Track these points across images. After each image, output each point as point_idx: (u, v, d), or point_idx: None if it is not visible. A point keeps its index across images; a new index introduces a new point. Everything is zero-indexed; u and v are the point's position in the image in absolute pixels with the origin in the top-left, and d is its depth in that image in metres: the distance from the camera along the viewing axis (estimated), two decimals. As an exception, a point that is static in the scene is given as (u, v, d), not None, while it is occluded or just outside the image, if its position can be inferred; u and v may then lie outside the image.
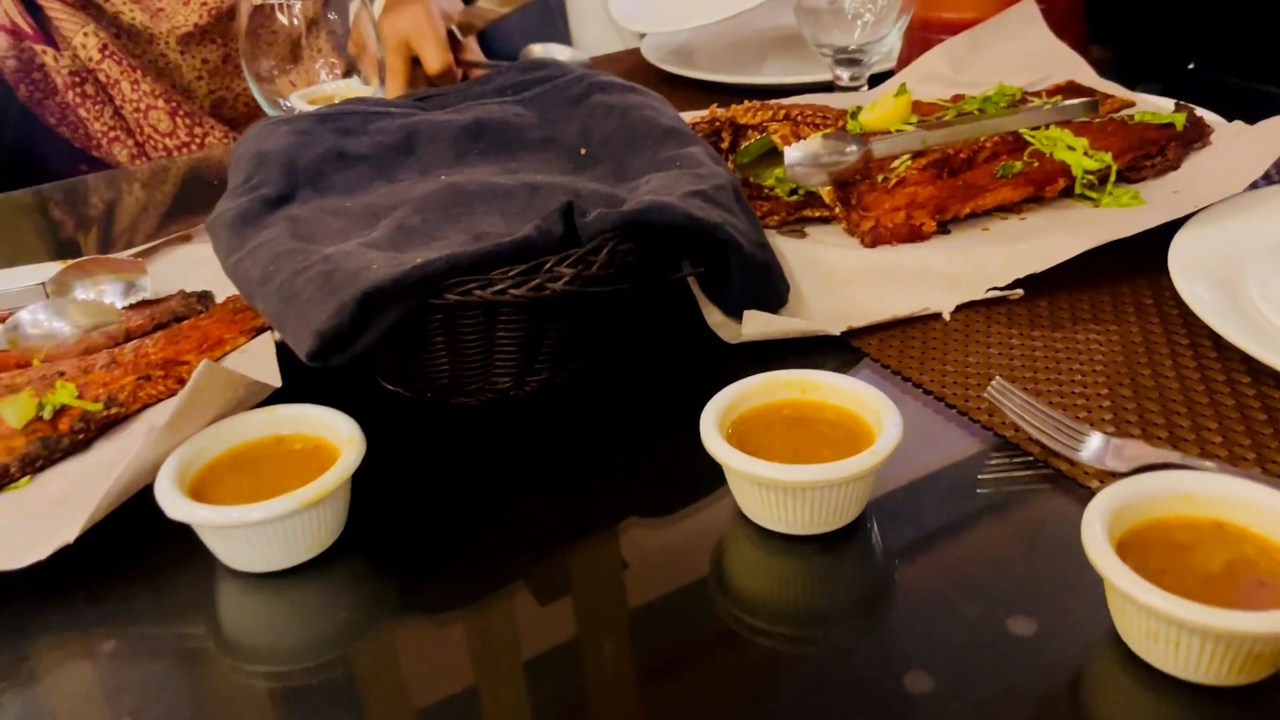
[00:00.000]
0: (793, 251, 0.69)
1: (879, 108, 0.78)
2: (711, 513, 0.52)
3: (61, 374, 0.56)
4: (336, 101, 0.76)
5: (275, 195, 0.64)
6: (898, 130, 0.74)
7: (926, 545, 0.49)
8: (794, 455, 0.47)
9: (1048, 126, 0.74)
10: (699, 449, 0.48)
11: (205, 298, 0.67)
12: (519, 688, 0.44)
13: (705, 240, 0.58)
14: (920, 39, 0.97)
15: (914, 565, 0.48)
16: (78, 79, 1.14)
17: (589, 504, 0.53)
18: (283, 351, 0.58)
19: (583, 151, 0.71)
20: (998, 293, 0.64)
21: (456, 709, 0.43)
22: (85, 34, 1.12)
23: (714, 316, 0.63)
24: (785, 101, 0.82)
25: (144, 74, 1.14)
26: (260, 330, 0.61)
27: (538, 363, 0.59)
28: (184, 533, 0.49)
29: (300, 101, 0.88)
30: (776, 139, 0.72)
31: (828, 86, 0.98)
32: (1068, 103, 0.77)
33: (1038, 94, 0.84)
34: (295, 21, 0.82)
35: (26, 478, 0.51)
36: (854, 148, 0.70)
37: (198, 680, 0.46)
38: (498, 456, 0.57)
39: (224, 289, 0.66)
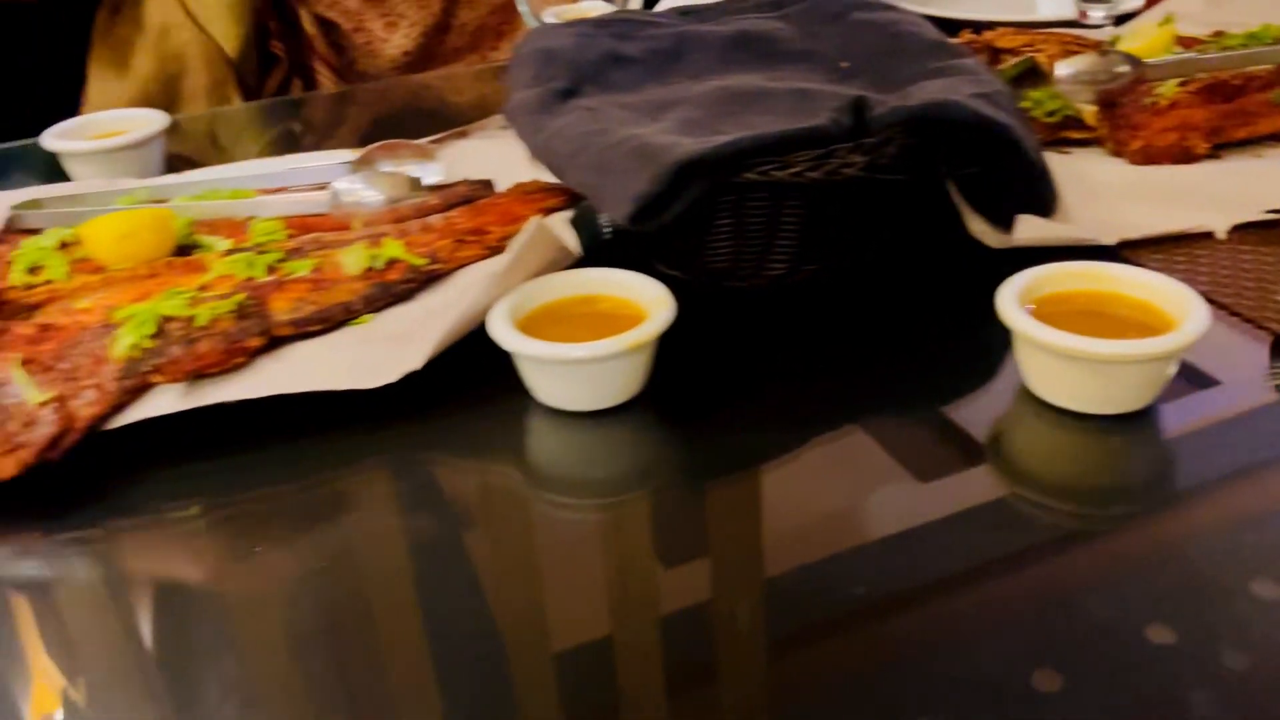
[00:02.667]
0: (1058, 166, 0.70)
1: (1141, 37, 0.78)
2: (996, 392, 0.54)
3: (384, 234, 0.61)
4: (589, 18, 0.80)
5: (564, 88, 0.68)
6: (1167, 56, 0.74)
7: (1215, 439, 0.50)
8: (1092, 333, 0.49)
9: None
10: (968, 337, 0.50)
11: (487, 185, 0.72)
12: (784, 539, 0.47)
13: (990, 140, 0.60)
14: (1171, -21, 0.95)
15: (1200, 459, 0.49)
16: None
17: (866, 384, 0.56)
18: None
19: (843, 64, 0.73)
20: (1275, 215, 0.63)
21: (740, 551, 0.47)
22: None
23: (976, 223, 0.64)
24: (1040, 30, 0.82)
25: None
26: (550, 210, 0.65)
27: (813, 252, 0.62)
28: (502, 373, 0.54)
29: (553, 18, 0.93)
30: (1043, 58, 0.72)
31: (1068, 25, 0.97)
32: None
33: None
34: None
35: (369, 315, 0.56)
36: (1127, 67, 0.70)
37: (503, 503, 0.51)
38: (775, 337, 0.60)
39: (502, 178, 0.71)
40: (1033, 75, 0.75)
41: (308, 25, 1.10)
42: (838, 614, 0.42)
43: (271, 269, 0.58)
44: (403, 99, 1.06)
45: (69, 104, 1.05)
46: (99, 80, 1.06)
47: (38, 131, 0.82)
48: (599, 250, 0.61)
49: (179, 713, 0.40)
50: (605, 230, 0.67)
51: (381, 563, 0.48)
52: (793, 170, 0.56)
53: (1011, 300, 0.50)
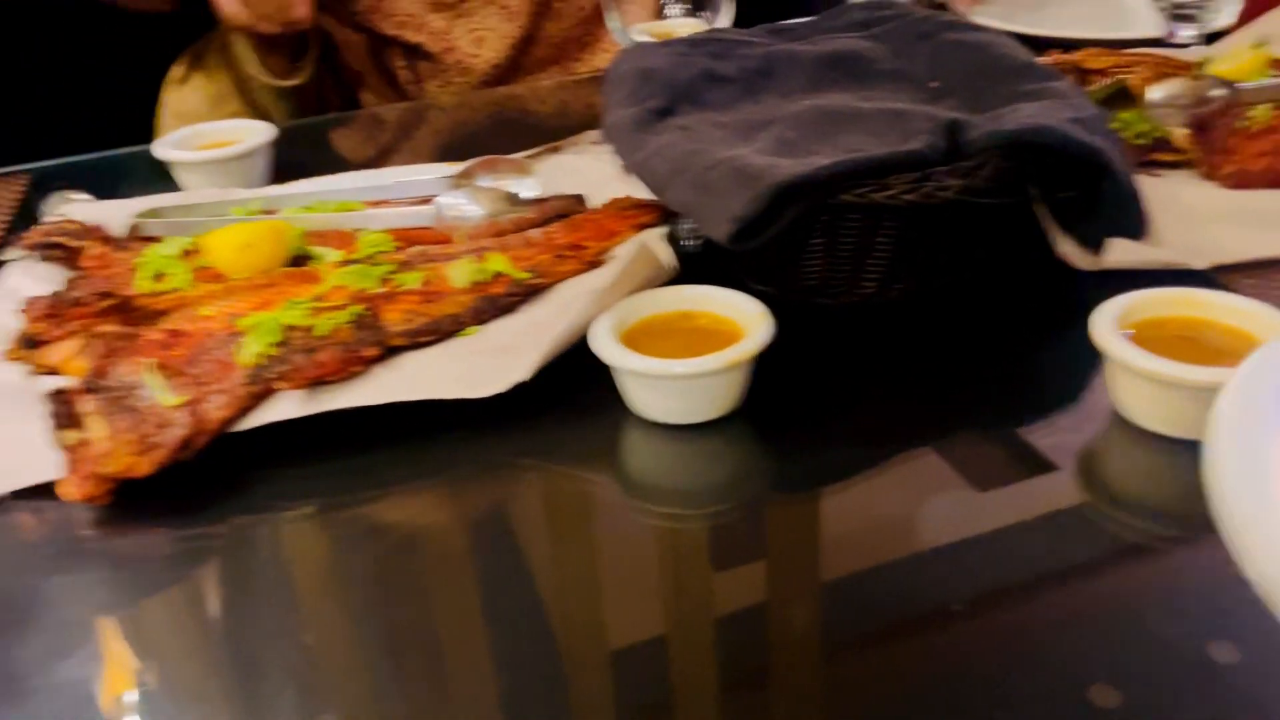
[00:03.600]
0: (1149, 189, 0.70)
1: (1233, 60, 0.77)
2: (1086, 414, 0.55)
3: (487, 248, 0.64)
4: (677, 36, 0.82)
5: (660, 107, 0.70)
6: (1260, 80, 0.74)
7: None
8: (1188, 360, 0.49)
9: None
10: (1056, 358, 0.51)
11: (580, 200, 0.74)
12: (870, 551, 0.48)
13: (1084, 165, 0.60)
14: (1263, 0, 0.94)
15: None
16: None
17: (954, 403, 0.57)
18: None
19: (933, 84, 0.74)
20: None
21: (827, 562, 0.48)
22: None
23: (1065, 245, 0.65)
24: (1129, 50, 0.82)
25: None
26: (644, 226, 0.67)
27: (904, 271, 0.63)
28: (602, 385, 0.56)
29: (642, 35, 0.95)
30: (1134, 80, 0.73)
31: (1153, 44, 0.96)
32: None
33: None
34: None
35: (475, 327, 0.59)
36: (1220, 91, 0.70)
37: (601, 512, 0.53)
38: (866, 355, 0.61)
39: (594, 193, 0.74)
40: (1123, 97, 0.75)
41: (356, 62, 1.14)
42: (911, 623, 0.43)
43: (383, 281, 0.61)
44: (487, 113, 1.09)
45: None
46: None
47: (126, 138, 0.86)
48: (692, 266, 0.63)
49: (302, 698, 0.43)
50: (689, 244, 0.69)
51: (484, 564, 0.50)
52: (890, 193, 0.57)
53: (1107, 325, 0.51)
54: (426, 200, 0.71)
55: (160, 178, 0.85)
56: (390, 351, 0.57)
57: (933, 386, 0.59)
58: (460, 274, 0.60)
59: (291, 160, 0.91)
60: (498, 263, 0.61)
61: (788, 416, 0.57)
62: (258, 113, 1.05)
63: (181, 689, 0.44)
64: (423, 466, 0.55)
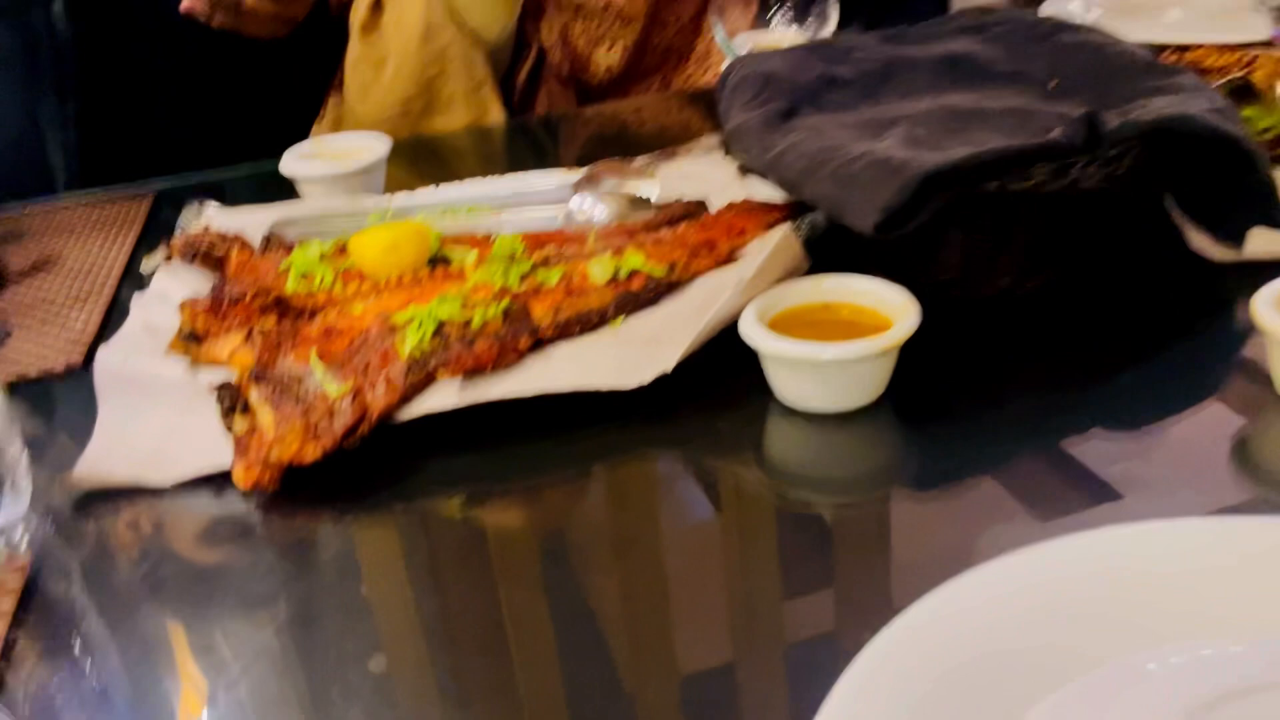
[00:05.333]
0: None
1: (1356, 54, 0.77)
2: (1236, 396, 0.54)
3: (623, 246, 0.65)
4: (783, 47, 0.83)
5: (784, 109, 0.71)
6: (1389, 72, 0.73)
7: None
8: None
9: None
10: (1200, 346, 0.50)
11: (702, 204, 0.75)
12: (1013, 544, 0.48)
13: (1226, 154, 0.60)
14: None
15: None
16: None
17: (1099, 394, 0.57)
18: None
19: (1052, 84, 0.75)
20: None
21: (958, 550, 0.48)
22: None
23: (1199, 238, 0.64)
24: (1246, 49, 0.82)
25: None
26: (772, 224, 0.68)
27: (1040, 264, 0.63)
28: (747, 375, 0.57)
29: (745, 48, 0.96)
30: (1260, 76, 0.72)
31: (1262, 45, 0.96)
32: None
33: None
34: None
35: (620, 318, 0.60)
36: (1352, 83, 0.69)
37: (751, 499, 0.54)
38: (1008, 346, 0.61)
39: (713, 196, 0.74)
40: (1246, 93, 0.74)
41: (545, 34, 1.14)
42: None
43: (524, 279, 0.62)
44: (588, 127, 1.11)
45: (298, 127, 1.11)
46: (356, 87, 1.08)
47: (262, 152, 0.89)
48: (821, 261, 0.63)
49: (489, 666, 0.44)
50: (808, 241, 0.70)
51: (633, 549, 0.51)
52: (1033, 183, 0.57)
53: (1268, 305, 0.51)
54: (552, 205, 0.73)
55: (278, 193, 0.87)
56: (538, 344, 0.58)
57: (1072, 381, 0.58)
58: (601, 269, 0.61)
59: (406, 173, 0.93)
60: (635, 259, 0.62)
61: (930, 408, 0.57)
62: (465, 35, 1.04)
63: (355, 659, 0.45)
64: (572, 455, 0.56)
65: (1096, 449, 0.53)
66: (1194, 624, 0.38)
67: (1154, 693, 0.36)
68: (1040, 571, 0.39)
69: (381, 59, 1.06)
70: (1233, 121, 0.61)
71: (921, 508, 0.52)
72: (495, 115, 1.08)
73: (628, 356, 0.56)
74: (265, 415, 0.54)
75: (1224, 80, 0.76)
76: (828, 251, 0.66)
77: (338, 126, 1.13)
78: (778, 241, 0.57)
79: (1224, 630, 0.37)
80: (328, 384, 0.54)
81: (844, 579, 0.48)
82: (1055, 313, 0.63)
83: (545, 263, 0.64)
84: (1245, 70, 0.76)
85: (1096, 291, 0.64)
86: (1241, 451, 0.51)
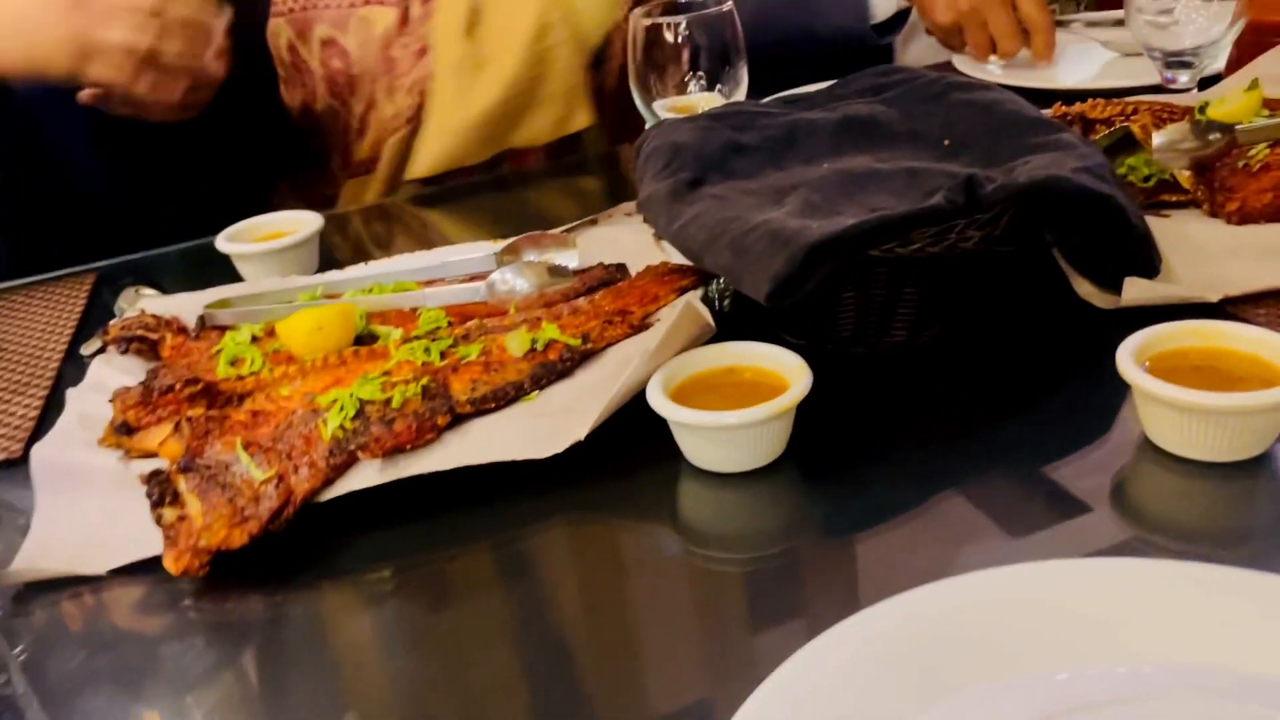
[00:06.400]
0: (1159, 229, 0.74)
1: (1229, 102, 0.82)
2: (1116, 444, 0.58)
3: (539, 318, 0.68)
4: (699, 110, 0.87)
5: (692, 178, 0.75)
6: (1255, 120, 0.78)
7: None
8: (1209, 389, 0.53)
9: None
10: (1084, 394, 0.54)
11: (621, 268, 0.78)
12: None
13: (1095, 210, 0.64)
14: (1252, 41, 0.99)
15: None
16: None
17: (990, 441, 0.61)
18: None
19: (946, 142, 0.79)
20: (1377, 267, 0.66)
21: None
22: None
23: (1084, 287, 0.68)
24: (1130, 98, 0.87)
25: None
26: (683, 289, 0.72)
27: (931, 319, 0.67)
28: (657, 440, 0.60)
29: (664, 111, 1.00)
30: (1136, 128, 0.77)
31: (1152, 91, 1.01)
32: None
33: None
34: (678, 39, 0.95)
35: (535, 392, 0.63)
36: (1218, 135, 0.74)
37: (661, 559, 0.57)
38: (901, 400, 0.65)
39: (632, 261, 0.78)
40: (1128, 143, 0.79)
41: None
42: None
43: (445, 354, 0.65)
44: (510, 195, 1.14)
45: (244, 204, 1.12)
46: (454, 91, 1.09)
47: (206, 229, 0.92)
48: (728, 324, 0.67)
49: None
50: (723, 304, 0.73)
51: (555, 614, 0.53)
52: (915, 247, 0.61)
53: (1131, 358, 0.55)
54: (475, 277, 0.76)
55: (215, 270, 0.90)
56: (458, 419, 0.61)
57: (966, 428, 0.62)
58: (517, 343, 0.64)
59: (339, 246, 0.96)
60: (550, 331, 0.65)
61: (831, 462, 0.61)
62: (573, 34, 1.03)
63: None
64: (492, 525, 0.58)
65: (986, 495, 0.57)
66: (1060, 655, 0.41)
67: (1005, 712, 0.40)
68: (913, 614, 0.43)
69: (483, 61, 1.08)
70: (1103, 178, 0.66)
71: (824, 558, 0.55)
72: (584, 117, 1.11)
73: (543, 427, 0.59)
74: (193, 504, 0.56)
75: (1108, 132, 0.81)
76: (741, 313, 0.69)
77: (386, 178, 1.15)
78: (681, 310, 0.60)
79: (1088, 660, 0.41)
80: (253, 470, 0.56)
81: (749, 631, 0.51)
82: (948, 365, 0.67)
83: (466, 337, 0.67)
84: (1127, 120, 0.80)
85: (987, 343, 0.68)
86: (1117, 495, 0.55)
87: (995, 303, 0.70)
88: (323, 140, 1.22)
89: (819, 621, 0.49)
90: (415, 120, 1.15)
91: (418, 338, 0.68)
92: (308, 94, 1.20)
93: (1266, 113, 0.81)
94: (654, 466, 0.60)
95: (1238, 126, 0.75)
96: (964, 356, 0.67)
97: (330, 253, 0.94)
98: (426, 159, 1.14)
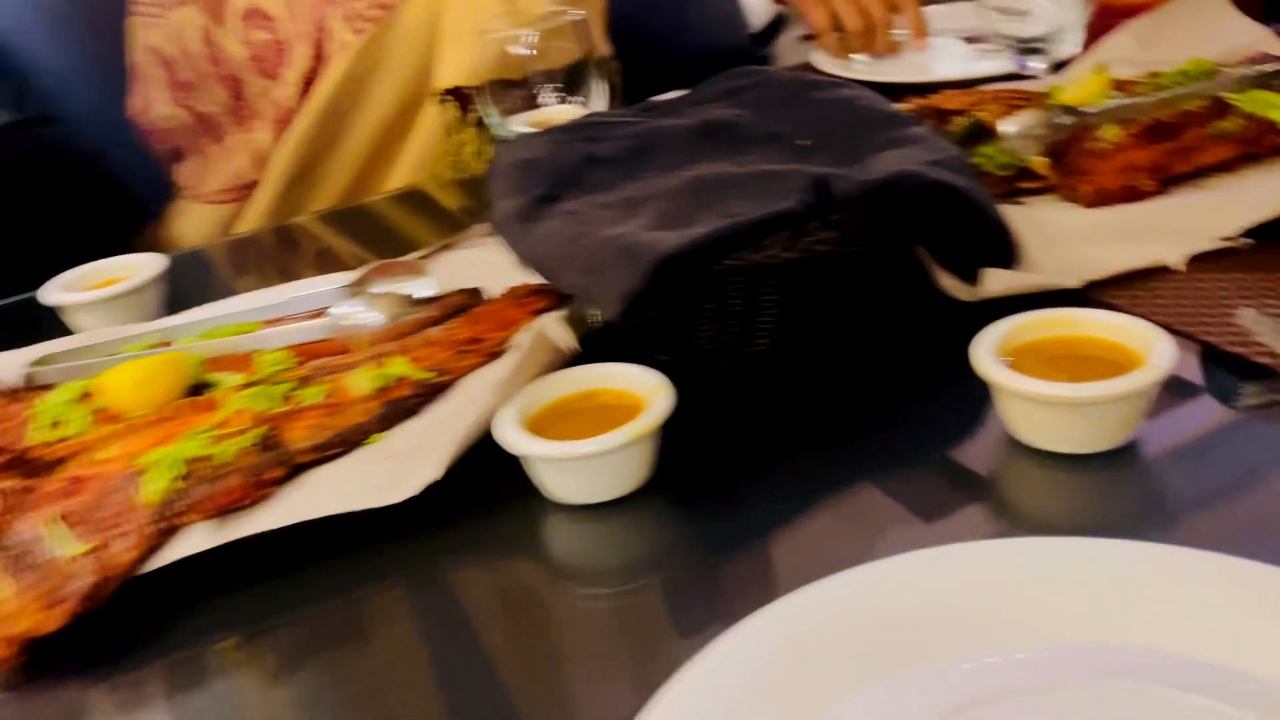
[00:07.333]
0: (1017, 217, 0.73)
1: (1077, 86, 0.82)
2: (971, 443, 0.57)
3: (389, 353, 0.64)
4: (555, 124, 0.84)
5: (545, 195, 0.72)
6: (1102, 103, 0.78)
7: (1198, 464, 0.52)
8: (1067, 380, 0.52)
9: (1252, 89, 0.77)
10: (950, 391, 0.53)
11: (476, 293, 0.74)
12: None
13: (948, 204, 0.63)
14: (1102, 25, 1.00)
15: (1187, 484, 0.51)
16: None
17: (860, 446, 0.59)
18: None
19: (808, 143, 0.77)
20: (1227, 243, 0.67)
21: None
22: None
23: (947, 280, 0.67)
24: (982, 88, 0.87)
25: None
26: (542, 311, 0.69)
27: (795, 326, 0.65)
28: (515, 475, 0.56)
29: (522, 125, 0.97)
30: (988, 116, 0.77)
31: (1008, 78, 1.02)
32: (1262, 66, 0.80)
33: (1232, 65, 0.86)
34: (529, 52, 0.92)
35: (382, 434, 0.59)
36: (1068, 119, 0.74)
37: (527, 599, 0.53)
38: (770, 411, 0.63)
39: (492, 284, 0.75)
40: (981, 133, 0.79)
41: None
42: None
43: (285, 399, 0.60)
44: (369, 221, 1.10)
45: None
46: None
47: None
48: (594, 343, 0.64)
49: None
50: (593, 323, 0.70)
51: (414, 670, 0.50)
52: (768, 254, 0.59)
53: (987, 354, 0.53)
54: (323, 313, 0.71)
55: (50, 326, 0.83)
56: (300, 469, 0.57)
57: (835, 436, 0.60)
58: (362, 383, 0.60)
59: (188, 288, 0.90)
60: (399, 366, 0.62)
61: (703, 481, 0.58)
62: None
63: None
64: (348, 577, 0.54)
65: (858, 501, 0.55)
66: (954, 643, 0.41)
67: (913, 703, 0.39)
68: (807, 612, 0.43)
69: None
70: (955, 170, 0.65)
71: (703, 577, 0.52)
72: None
73: (390, 471, 0.55)
74: (6, 587, 0.51)
75: (961, 122, 0.81)
76: (611, 331, 0.66)
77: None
78: (534, 336, 0.57)
79: (982, 646, 0.41)
80: (65, 545, 0.51)
81: (632, 663, 0.48)
82: (816, 372, 0.65)
83: (310, 379, 0.63)
84: (977, 109, 0.80)
85: (854, 346, 0.67)
86: (987, 493, 0.54)
87: (860, 304, 0.68)
88: (198, 162, 1.18)
89: (704, 640, 0.46)
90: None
91: (257, 383, 0.63)
92: (207, 94, 1.16)
93: (1117, 93, 0.82)
94: (516, 502, 0.57)
95: (1086, 109, 0.75)
96: (831, 362, 0.66)
97: (186, 295, 0.88)
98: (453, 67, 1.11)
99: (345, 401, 0.60)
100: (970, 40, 1.18)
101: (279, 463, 0.55)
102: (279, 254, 1.08)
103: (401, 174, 1.21)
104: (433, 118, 1.17)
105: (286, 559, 0.55)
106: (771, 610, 0.43)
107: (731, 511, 0.55)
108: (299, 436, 0.58)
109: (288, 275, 0.89)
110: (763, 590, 0.50)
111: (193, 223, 1.25)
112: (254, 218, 1.22)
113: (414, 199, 1.13)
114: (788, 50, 1.45)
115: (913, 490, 0.55)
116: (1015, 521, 0.52)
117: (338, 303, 0.72)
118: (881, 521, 0.53)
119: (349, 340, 0.68)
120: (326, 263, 1.00)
